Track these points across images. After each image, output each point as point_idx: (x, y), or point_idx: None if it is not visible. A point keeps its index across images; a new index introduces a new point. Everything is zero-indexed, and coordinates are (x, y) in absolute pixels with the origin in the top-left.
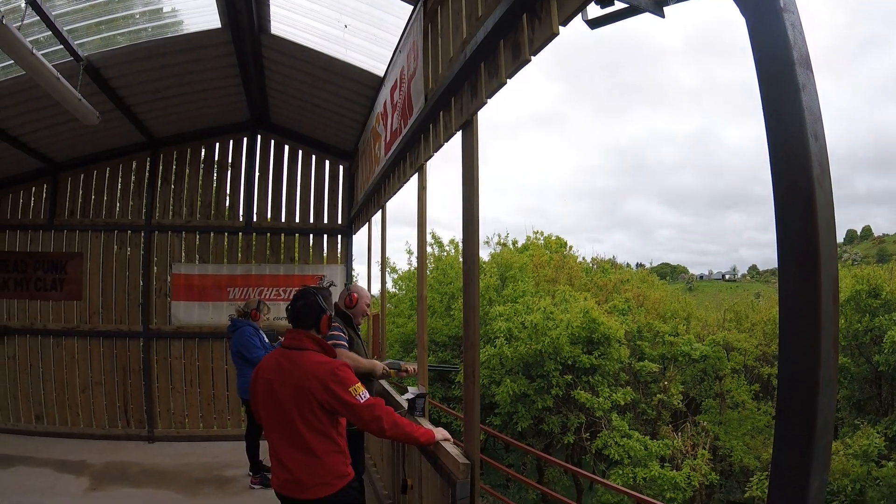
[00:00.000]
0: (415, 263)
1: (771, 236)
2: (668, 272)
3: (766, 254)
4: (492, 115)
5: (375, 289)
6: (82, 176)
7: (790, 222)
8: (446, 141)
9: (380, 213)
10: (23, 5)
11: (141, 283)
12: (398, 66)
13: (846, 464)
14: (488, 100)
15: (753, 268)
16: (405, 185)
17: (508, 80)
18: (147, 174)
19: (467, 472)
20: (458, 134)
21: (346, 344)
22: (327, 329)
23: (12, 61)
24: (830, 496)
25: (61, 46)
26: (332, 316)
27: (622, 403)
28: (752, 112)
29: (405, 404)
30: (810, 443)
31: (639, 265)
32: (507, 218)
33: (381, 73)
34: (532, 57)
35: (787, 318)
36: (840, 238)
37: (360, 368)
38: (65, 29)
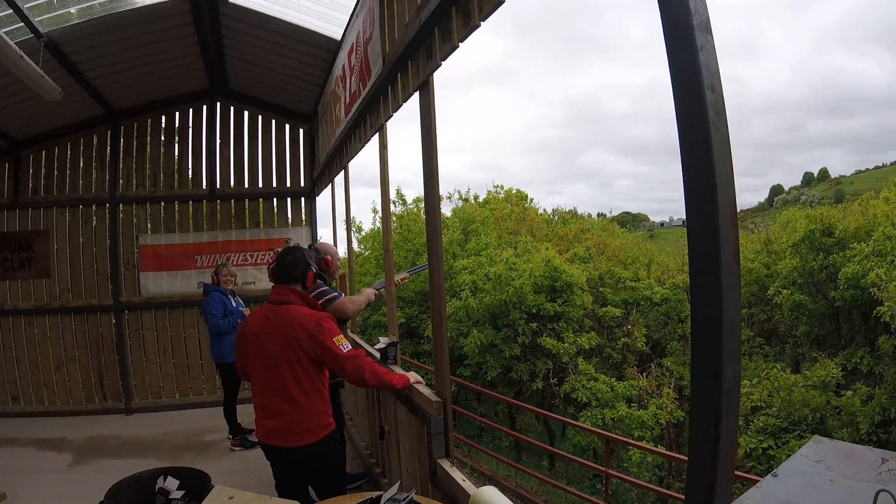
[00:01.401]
0: (380, 223)
1: None
2: (629, 220)
3: None
4: (444, 73)
5: (342, 250)
6: (44, 153)
7: (692, 159)
8: (405, 101)
9: (342, 173)
10: None
11: (109, 257)
12: (355, 30)
13: (806, 395)
14: (443, 62)
15: None
16: (366, 146)
17: (461, 44)
18: (109, 147)
19: (440, 409)
20: (416, 94)
21: (338, 294)
22: (312, 284)
23: None
24: (792, 426)
25: (22, 24)
26: (317, 272)
27: (587, 348)
28: None
29: (377, 354)
30: (720, 337)
31: (600, 215)
32: (465, 174)
33: (339, 37)
34: (482, 22)
35: (693, 237)
36: (797, 181)
37: (362, 305)
38: (25, 7)
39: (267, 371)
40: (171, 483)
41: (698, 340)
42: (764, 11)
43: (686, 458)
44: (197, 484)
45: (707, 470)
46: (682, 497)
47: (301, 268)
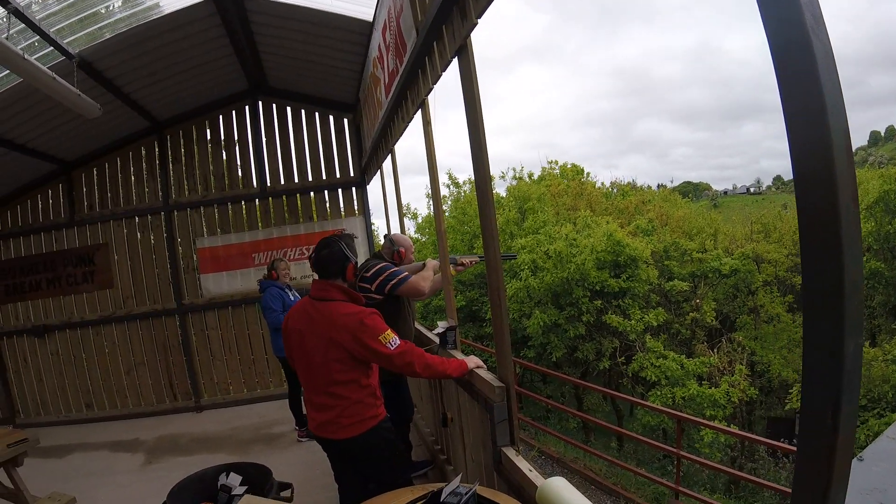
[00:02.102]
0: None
1: None
2: (691, 190)
3: (788, 163)
4: (485, 54)
5: None
6: (95, 170)
7: (791, 80)
8: (443, 70)
9: (389, 158)
10: (2, 17)
11: (168, 262)
12: (385, 6)
13: (885, 370)
14: (478, 20)
15: (778, 178)
16: (410, 126)
17: None
18: (157, 157)
19: (503, 395)
20: (455, 62)
21: (405, 273)
22: (353, 277)
23: (7, 72)
24: (871, 403)
25: (52, 48)
26: (357, 263)
27: (655, 325)
28: (751, 16)
29: (436, 339)
30: (840, 302)
31: (660, 186)
32: (517, 154)
33: (370, 18)
34: None
35: (802, 176)
36: (864, 141)
37: (432, 277)
38: (51, 30)
39: (310, 368)
40: (234, 479)
41: (813, 309)
42: None
43: (760, 438)
44: (259, 478)
45: (822, 469)
46: (755, 479)
47: (339, 263)
